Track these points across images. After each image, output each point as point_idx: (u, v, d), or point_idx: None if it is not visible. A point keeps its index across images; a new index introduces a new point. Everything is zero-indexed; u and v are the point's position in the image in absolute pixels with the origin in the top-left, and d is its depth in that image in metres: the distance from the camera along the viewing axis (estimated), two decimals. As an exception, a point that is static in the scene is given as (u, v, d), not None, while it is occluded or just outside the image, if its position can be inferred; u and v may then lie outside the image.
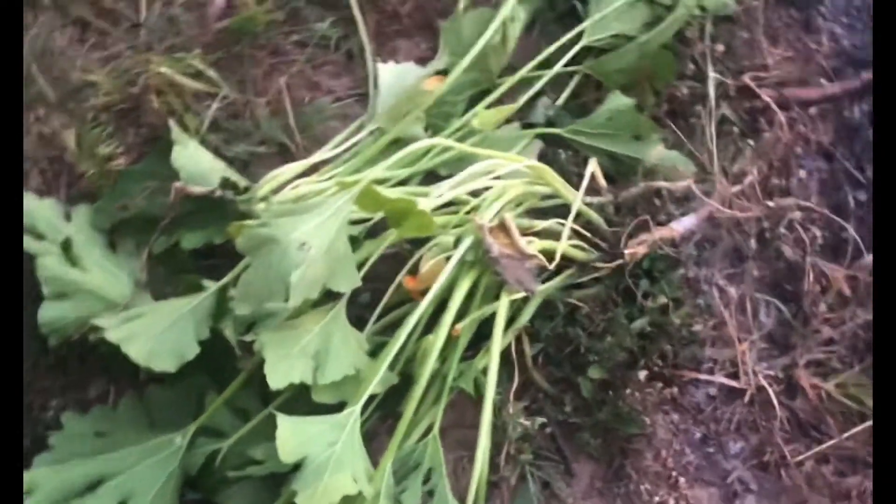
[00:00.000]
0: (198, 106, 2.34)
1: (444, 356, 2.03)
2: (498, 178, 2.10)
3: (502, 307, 2.00)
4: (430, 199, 2.00)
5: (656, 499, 2.10)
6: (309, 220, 1.85)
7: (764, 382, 2.15)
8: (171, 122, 2.21)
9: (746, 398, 2.17)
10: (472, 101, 2.34)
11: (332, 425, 1.86)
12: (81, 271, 2.11)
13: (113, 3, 2.45)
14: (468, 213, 2.08)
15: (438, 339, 1.96)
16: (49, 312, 2.07)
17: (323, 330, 1.96)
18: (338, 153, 2.28)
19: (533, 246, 2.02)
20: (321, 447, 1.82)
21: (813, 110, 2.36)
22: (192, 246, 2.16)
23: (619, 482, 2.13)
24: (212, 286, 2.08)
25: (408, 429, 1.99)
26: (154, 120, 2.32)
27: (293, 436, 1.80)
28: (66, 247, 2.10)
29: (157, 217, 2.16)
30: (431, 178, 2.25)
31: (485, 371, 2.05)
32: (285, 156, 2.34)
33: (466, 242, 1.99)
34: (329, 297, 1.96)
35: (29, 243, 2.13)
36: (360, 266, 2.01)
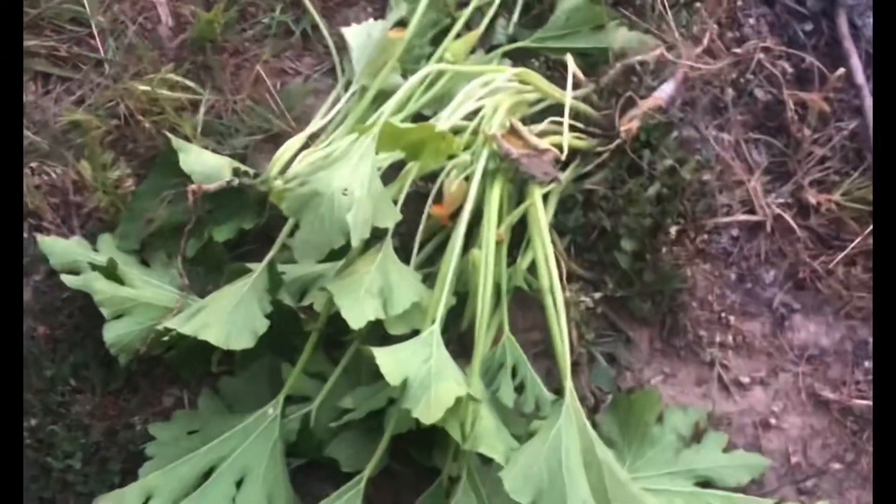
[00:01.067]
0: (182, 117, 2.46)
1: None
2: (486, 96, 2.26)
3: (537, 199, 2.14)
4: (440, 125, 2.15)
5: (716, 339, 2.28)
6: (342, 168, 1.99)
7: (778, 210, 2.34)
8: (167, 134, 2.31)
9: (766, 229, 2.35)
10: (435, 41, 2.49)
11: (421, 345, 1.99)
12: (132, 288, 2.21)
13: (67, 51, 2.55)
14: (474, 133, 2.22)
15: (487, 248, 2.09)
16: (114, 331, 2.17)
17: (379, 268, 2.08)
18: (329, 120, 2.40)
19: (544, 142, 2.17)
20: (418, 364, 1.94)
21: (741, -35, 2.57)
22: (224, 238, 2.28)
23: (675, 337, 2.30)
24: (257, 265, 2.20)
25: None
26: (146, 140, 2.43)
27: (392, 361, 1.92)
28: (112, 268, 2.20)
29: (181, 223, 2.27)
30: (418, 120, 2.38)
31: (530, 270, 2.21)
32: (276, 140, 2.46)
33: (484, 154, 2.14)
34: (367, 243, 2.11)
35: (70, 280, 2.24)
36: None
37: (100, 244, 2.32)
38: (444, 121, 2.16)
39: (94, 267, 2.22)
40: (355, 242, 1.96)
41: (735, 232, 2.36)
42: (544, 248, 2.10)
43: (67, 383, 2.28)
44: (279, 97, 2.51)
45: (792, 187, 2.38)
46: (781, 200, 2.37)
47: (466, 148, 2.23)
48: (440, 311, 2.05)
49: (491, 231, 2.10)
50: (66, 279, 2.24)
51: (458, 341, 2.18)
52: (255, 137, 2.47)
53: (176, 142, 2.28)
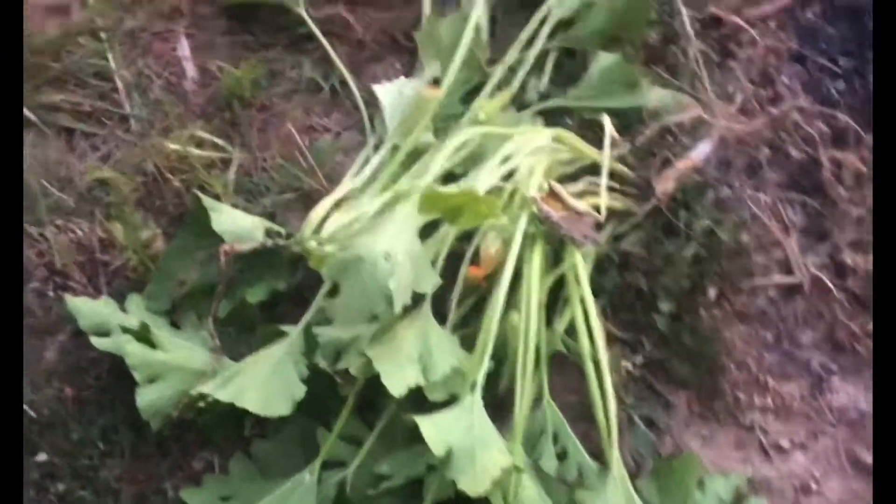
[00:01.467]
0: (211, 175, 2.44)
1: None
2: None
3: (579, 263, 2.13)
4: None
5: (755, 402, 2.27)
6: (384, 233, 1.98)
7: (815, 271, 2.34)
8: (198, 194, 2.30)
9: (804, 290, 2.35)
10: (465, 99, 2.48)
11: (463, 412, 1.98)
12: (164, 352, 2.19)
13: (91, 106, 2.54)
14: (510, 194, 2.21)
15: (528, 312, 2.08)
16: (146, 397, 2.14)
17: (418, 333, 2.07)
18: (358, 179, 2.39)
19: (583, 204, 2.17)
20: (462, 433, 1.93)
21: (772, 23, 2.56)
22: (258, 300, 2.26)
23: (714, 400, 2.28)
24: (292, 329, 2.19)
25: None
26: (173, 198, 2.42)
27: (436, 430, 1.91)
28: (145, 331, 2.18)
29: (211, 284, 2.25)
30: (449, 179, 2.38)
31: (568, 332, 2.20)
32: (307, 199, 2.45)
33: (524, 217, 2.13)
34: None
35: (100, 343, 2.22)
36: (431, 266, 2.14)
37: (129, 304, 2.29)
38: (483, 183, 2.15)
39: (126, 330, 2.19)
40: (398, 309, 1.95)
41: (772, 293, 2.35)
42: (587, 312, 2.09)
43: (96, 447, 2.26)
44: (309, 154, 2.50)
45: (829, 248, 2.38)
46: (819, 261, 2.36)
47: (503, 209, 2.22)
48: (480, 377, 2.03)
49: (532, 295, 2.09)
50: (96, 341, 2.22)
51: (495, 405, 2.15)
52: (286, 196, 2.45)
53: (207, 201, 2.27)
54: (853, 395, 2.31)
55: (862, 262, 2.33)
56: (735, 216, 2.30)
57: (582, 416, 2.22)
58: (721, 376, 2.28)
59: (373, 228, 2.01)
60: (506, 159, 2.22)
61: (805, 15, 2.58)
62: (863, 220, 2.38)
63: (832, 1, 2.57)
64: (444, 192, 2.02)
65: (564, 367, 2.24)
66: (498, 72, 2.45)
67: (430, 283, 2.05)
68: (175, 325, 2.30)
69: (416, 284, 2.01)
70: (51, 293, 2.37)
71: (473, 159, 2.31)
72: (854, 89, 2.50)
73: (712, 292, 2.24)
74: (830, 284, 2.33)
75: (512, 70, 2.47)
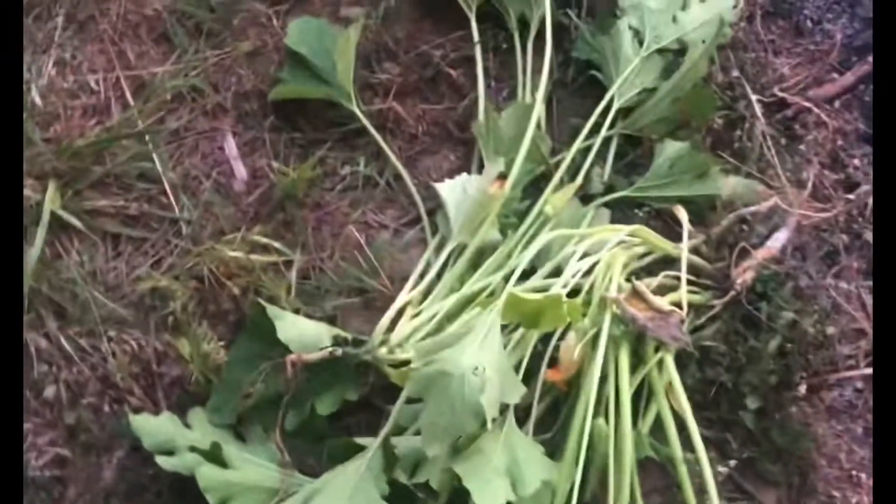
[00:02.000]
0: (268, 278, 2.38)
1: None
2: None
3: (669, 365, 2.07)
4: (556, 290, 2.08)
5: (850, 500, 2.20)
6: (471, 344, 1.91)
7: (902, 361, 2.28)
8: (261, 302, 2.23)
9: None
10: (526, 191, 2.44)
11: (558, 531, 1.91)
12: (236, 471, 2.12)
13: (138, 210, 2.47)
14: (588, 292, 2.16)
15: (621, 417, 2.02)
16: (222, 521, 2.07)
17: (505, 445, 2.00)
18: (424, 280, 2.33)
19: (666, 303, 2.11)
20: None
21: (837, 104, 2.52)
22: (328, 411, 2.19)
23: (805, 497, 2.22)
24: (368, 441, 2.11)
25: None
26: (229, 303, 2.35)
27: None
28: (217, 451, 2.10)
29: (278, 395, 2.18)
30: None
31: (652, 433, 2.14)
32: (368, 300, 2.39)
33: (607, 319, 2.07)
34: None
35: (166, 463, 2.13)
36: (514, 372, 2.07)
37: (191, 419, 2.22)
38: (561, 286, 2.10)
39: (195, 449, 2.12)
40: (490, 427, 1.88)
41: (859, 384, 2.29)
42: (684, 415, 2.03)
43: (161, 571, 2.18)
44: (369, 252, 2.44)
45: (914, 335, 2.32)
46: (905, 350, 2.31)
47: (585, 308, 2.16)
48: (575, 492, 1.96)
49: (623, 399, 2.03)
50: (162, 461, 2.13)
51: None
52: (348, 300, 2.39)
53: (271, 309, 2.20)
54: (951, 490, 2.24)
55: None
56: (817, 305, 2.25)
57: (671, 521, 2.17)
58: (812, 473, 2.21)
59: (455, 339, 1.94)
60: (583, 257, 2.16)
61: (869, 93, 2.54)
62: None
63: None
64: (526, 297, 1.96)
65: (648, 467, 2.17)
66: (563, 164, 2.39)
67: (518, 394, 1.99)
68: (240, 437, 2.22)
69: (504, 395, 1.95)
70: (106, 408, 2.29)
71: (541, 255, 2.26)
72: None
73: (800, 387, 2.17)
74: (919, 373, 2.27)
75: (573, 160, 2.42)
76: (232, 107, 2.61)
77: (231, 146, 2.57)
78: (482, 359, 1.89)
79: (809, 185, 2.36)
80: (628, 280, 2.21)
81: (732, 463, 2.16)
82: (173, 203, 2.49)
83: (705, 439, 2.19)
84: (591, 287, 2.16)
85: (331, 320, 2.36)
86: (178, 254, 2.43)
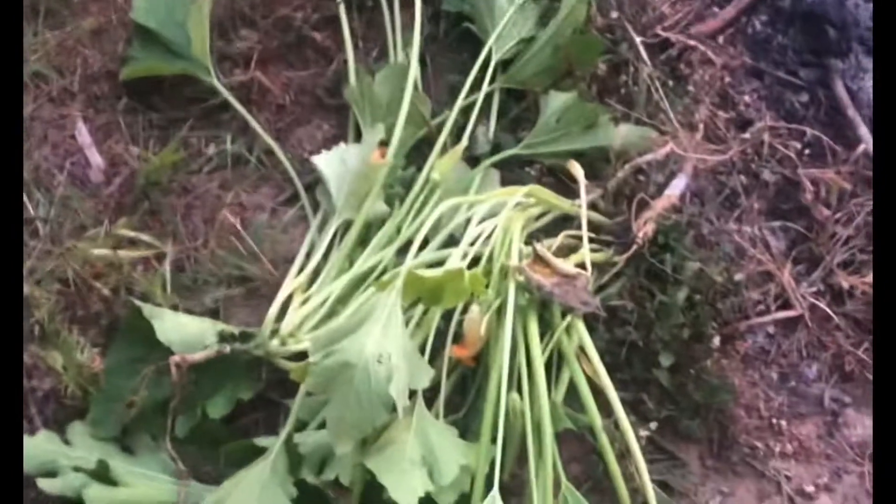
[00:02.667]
0: (140, 275, 2.22)
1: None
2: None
3: (579, 327, 1.98)
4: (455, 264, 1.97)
5: (772, 448, 2.16)
6: (372, 331, 1.79)
7: (812, 300, 2.24)
8: (135, 301, 2.08)
9: (804, 322, 2.24)
10: (408, 158, 2.32)
11: (488, 520, 1.82)
12: (126, 487, 1.97)
13: (-12, 211, 2.29)
14: (488, 261, 2.05)
15: (537, 390, 1.93)
16: (114, 543, 1.92)
17: (417, 433, 1.89)
18: (311, 262, 2.20)
19: (571, 266, 2.02)
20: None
21: (720, 39, 2.45)
22: (220, 414, 2.06)
23: (728, 451, 2.16)
24: (269, 442, 1.99)
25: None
26: (99, 305, 2.19)
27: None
28: (103, 468, 1.95)
29: (164, 401, 2.04)
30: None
31: (567, 402, 2.06)
32: (252, 289, 2.26)
33: (512, 289, 1.97)
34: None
35: (49, 486, 1.98)
36: (418, 354, 1.96)
37: (71, 435, 2.06)
38: (460, 257, 1.99)
39: (80, 469, 1.96)
40: (401, 414, 1.77)
41: (770, 329, 2.24)
42: (599, 380, 1.95)
43: None
44: (247, 237, 2.29)
45: (821, 273, 2.28)
46: (813, 289, 2.26)
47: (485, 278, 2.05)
48: (496, 473, 1.86)
49: (537, 371, 1.93)
50: (45, 484, 1.97)
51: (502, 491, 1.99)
52: (230, 291, 2.25)
53: (147, 309, 2.05)
54: (870, 426, 2.21)
55: (858, 283, 2.24)
56: (721, 252, 2.19)
57: (594, 489, 2.10)
58: (732, 425, 2.16)
59: (354, 325, 1.81)
60: (478, 223, 2.05)
61: (753, 26, 2.47)
62: (851, 240, 2.28)
63: (778, 9, 2.46)
64: (425, 275, 1.84)
65: (562, 435, 2.07)
66: (446, 125, 2.27)
67: (426, 378, 1.88)
68: (128, 450, 2.08)
69: (412, 382, 1.84)
70: (-28, 430, 2.12)
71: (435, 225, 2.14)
72: (818, 100, 2.41)
73: (714, 339, 2.11)
74: (829, 311, 2.24)
75: (455, 120, 2.30)
76: (80, 90, 2.43)
77: (83, 133, 2.39)
78: (386, 345, 1.78)
79: (701, 126, 2.29)
80: (528, 243, 2.12)
81: (653, 426, 2.08)
82: (26, 201, 2.30)
83: (621, 402, 2.12)
84: (491, 255, 2.05)
85: (213, 314, 2.23)
86: (37, 256, 2.25)
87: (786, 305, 2.25)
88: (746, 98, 2.39)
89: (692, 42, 2.41)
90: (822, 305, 2.24)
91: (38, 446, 2.03)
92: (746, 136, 2.28)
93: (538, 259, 2.00)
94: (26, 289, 2.18)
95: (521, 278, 1.98)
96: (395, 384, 1.75)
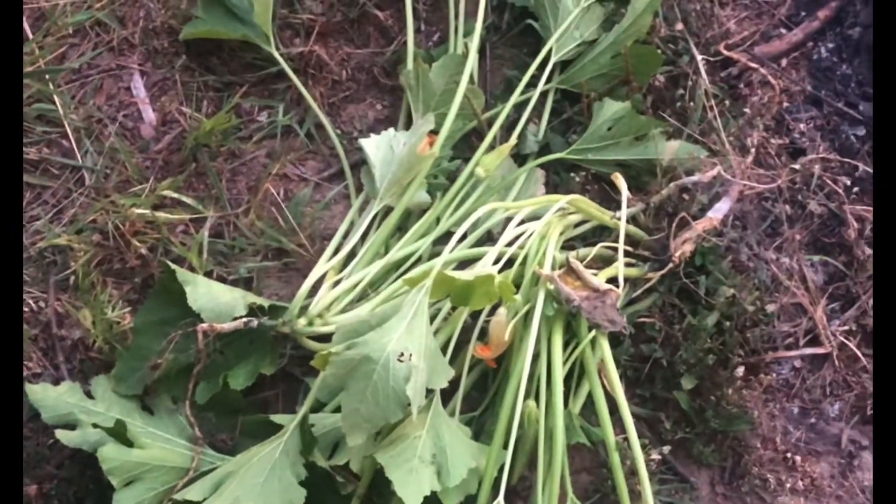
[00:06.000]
0: (177, 237, 2.26)
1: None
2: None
3: (603, 343, 1.99)
4: (487, 265, 1.99)
5: (783, 482, 2.16)
6: (396, 328, 1.81)
7: (842, 338, 2.23)
8: (170, 264, 2.10)
9: (832, 360, 2.24)
10: (457, 147, 2.33)
11: (490, 527, 1.85)
12: (142, 449, 2.01)
13: (37, 154, 2.32)
14: (521, 264, 2.07)
15: (553, 401, 1.94)
16: (125, 502, 1.96)
17: (430, 430, 1.92)
18: (347, 243, 2.22)
19: (602, 281, 2.03)
20: (491, 550, 1.81)
21: (784, 62, 2.43)
22: (242, 385, 2.09)
23: (739, 480, 2.17)
24: (285, 420, 2.02)
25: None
26: (136, 261, 2.23)
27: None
28: (121, 429, 1.99)
29: (188, 366, 2.07)
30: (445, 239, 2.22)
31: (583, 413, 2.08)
32: (287, 262, 2.29)
33: (541, 297, 1.99)
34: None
35: (68, 438, 2.03)
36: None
37: (94, 389, 2.11)
38: (494, 256, 2.00)
39: (98, 426, 2.00)
40: (416, 414, 1.80)
41: (797, 363, 2.24)
42: (616, 396, 1.96)
43: (66, 554, 2.09)
44: (286, 210, 2.32)
45: (856, 313, 2.26)
46: (846, 328, 2.25)
47: (517, 282, 2.07)
48: (504, 478, 1.89)
49: (556, 383, 1.95)
50: (63, 436, 2.03)
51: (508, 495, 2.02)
52: (265, 262, 2.28)
53: (181, 273, 2.08)
54: (886, 472, 2.21)
55: (893, 326, 2.23)
56: (757, 280, 2.18)
57: (599, 502, 2.13)
58: (746, 455, 2.17)
59: (380, 319, 1.83)
60: (517, 224, 2.06)
61: (819, 52, 2.45)
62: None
63: (846, 37, 2.43)
64: (455, 276, 1.86)
65: (574, 445, 2.09)
66: (497, 121, 2.27)
67: (445, 378, 1.90)
68: (147, 409, 2.12)
69: (431, 382, 1.86)
70: (2, 372, 2.17)
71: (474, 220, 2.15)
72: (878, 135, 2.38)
73: (738, 369, 2.12)
74: (858, 352, 2.23)
75: (507, 116, 2.31)
76: (140, 43, 2.46)
77: (139, 87, 2.42)
78: (409, 343, 1.80)
79: (753, 150, 2.28)
80: (563, 249, 2.13)
81: (666, 449, 2.10)
82: (75, 149, 2.34)
83: (638, 418, 2.16)
84: (525, 259, 2.06)
85: (246, 283, 2.26)
86: (80, 205, 2.29)
87: (815, 341, 2.24)
88: (802, 126, 2.37)
89: (754, 63, 2.39)
90: (852, 346, 2.23)
91: (60, 397, 2.08)
92: (797, 165, 2.27)
93: (570, 270, 2.01)
94: (64, 238, 2.23)
95: (552, 287, 1.99)
96: (412, 383, 1.77)
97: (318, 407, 2.08)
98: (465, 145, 2.36)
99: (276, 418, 2.05)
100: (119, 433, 2.00)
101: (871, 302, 2.24)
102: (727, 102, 2.36)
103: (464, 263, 2.10)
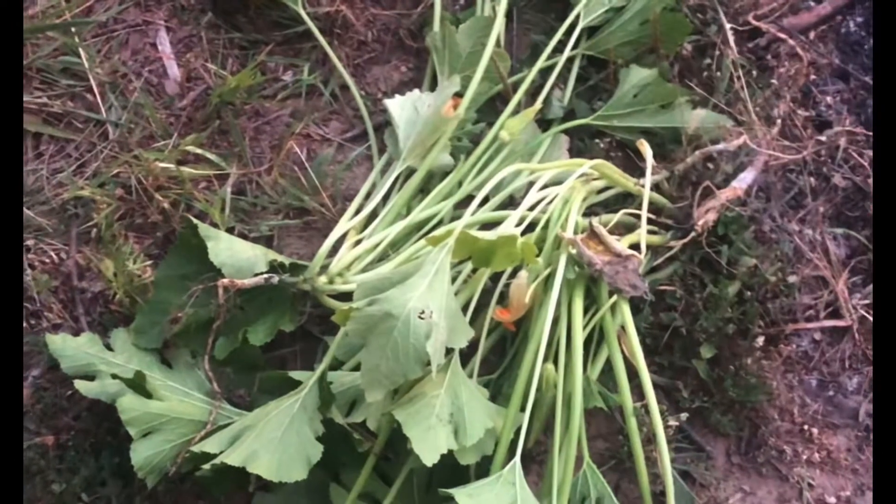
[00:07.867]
0: (199, 192, 2.26)
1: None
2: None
3: (624, 308, 1.99)
4: (509, 228, 1.98)
5: (799, 454, 2.16)
6: (418, 285, 1.81)
7: (863, 312, 2.23)
8: (192, 220, 2.10)
9: (852, 333, 2.24)
10: (481, 110, 2.32)
11: (503, 485, 1.84)
12: (160, 401, 2.02)
13: (62, 108, 2.33)
14: (544, 228, 2.07)
15: (573, 365, 1.95)
16: (142, 453, 1.97)
17: (448, 389, 1.92)
18: (369, 203, 2.22)
19: (625, 246, 2.02)
20: (505, 508, 1.81)
21: (812, 35, 2.42)
22: (261, 341, 2.10)
23: (755, 450, 2.17)
24: (304, 377, 2.03)
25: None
26: (158, 215, 2.24)
27: (477, 506, 1.78)
28: (140, 380, 2.00)
29: (208, 321, 2.08)
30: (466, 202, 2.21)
31: (601, 380, 2.08)
32: (308, 220, 2.29)
33: (563, 261, 1.99)
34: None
35: (87, 389, 2.04)
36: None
37: (114, 341, 2.12)
38: (516, 219, 1.99)
39: (117, 377, 2.02)
40: (435, 371, 1.80)
41: (817, 335, 2.24)
42: (636, 362, 1.96)
43: (79, 499, 2.09)
44: (309, 169, 2.32)
45: (877, 286, 2.26)
46: (867, 301, 2.25)
47: (539, 245, 2.06)
48: (520, 441, 1.89)
49: (576, 346, 1.95)
50: (82, 387, 2.04)
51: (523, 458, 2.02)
52: (286, 220, 2.28)
53: (203, 228, 2.08)
54: (902, 446, 2.21)
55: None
56: (779, 252, 2.18)
57: (616, 467, 2.14)
58: (763, 426, 2.17)
59: (401, 277, 1.83)
60: (541, 188, 2.06)
61: (847, 26, 2.43)
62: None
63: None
64: (478, 236, 1.86)
65: (591, 411, 2.08)
66: (522, 85, 2.26)
67: (465, 338, 1.90)
68: (166, 363, 2.13)
69: (451, 340, 1.86)
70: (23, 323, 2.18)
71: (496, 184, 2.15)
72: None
73: (758, 339, 2.11)
74: (880, 326, 2.22)
75: (532, 81, 2.30)
76: (167, -1, 2.46)
77: (165, 43, 2.42)
78: (430, 301, 1.80)
79: (779, 122, 2.27)
80: (585, 215, 2.13)
81: (684, 417, 2.10)
82: (100, 103, 2.35)
83: (655, 385, 2.15)
84: (547, 223, 2.06)
85: (267, 241, 2.27)
86: (104, 159, 2.30)
87: (836, 314, 2.24)
88: (829, 99, 2.36)
89: (782, 34, 2.38)
90: (873, 319, 2.23)
91: (79, 348, 2.09)
92: (822, 138, 2.26)
93: (593, 235, 2.00)
94: (88, 191, 2.23)
95: (574, 251, 1.99)
96: (433, 341, 1.77)
97: (336, 366, 2.08)
98: (489, 109, 2.35)
99: (295, 374, 2.05)
100: (138, 384, 2.01)
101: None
102: (754, 73, 2.34)
103: (485, 227, 2.09)
